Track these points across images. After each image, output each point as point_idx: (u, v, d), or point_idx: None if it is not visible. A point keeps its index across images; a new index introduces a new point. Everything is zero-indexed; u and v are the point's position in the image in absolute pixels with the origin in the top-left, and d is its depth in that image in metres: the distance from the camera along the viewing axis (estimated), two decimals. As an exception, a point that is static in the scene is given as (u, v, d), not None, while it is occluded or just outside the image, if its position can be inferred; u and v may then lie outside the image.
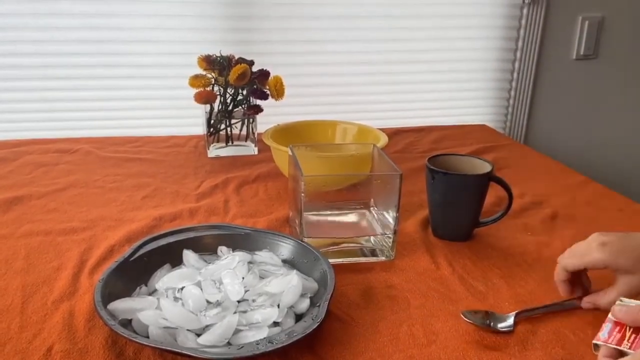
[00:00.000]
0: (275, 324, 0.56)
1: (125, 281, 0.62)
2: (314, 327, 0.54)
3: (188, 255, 0.67)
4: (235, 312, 0.56)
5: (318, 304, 0.58)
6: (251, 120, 1.12)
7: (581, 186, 1.00)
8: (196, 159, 1.12)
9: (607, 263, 0.59)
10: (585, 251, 0.60)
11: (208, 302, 0.58)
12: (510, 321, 0.60)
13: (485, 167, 0.78)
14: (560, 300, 0.64)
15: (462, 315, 0.59)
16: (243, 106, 1.10)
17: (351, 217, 0.80)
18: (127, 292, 0.60)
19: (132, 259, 0.65)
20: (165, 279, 0.61)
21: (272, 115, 1.14)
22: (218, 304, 0.57)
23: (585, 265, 0.61)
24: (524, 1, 1.60)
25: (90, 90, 1.42)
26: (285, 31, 1.47)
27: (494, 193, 0.86)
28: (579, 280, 0.64)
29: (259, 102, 1.10)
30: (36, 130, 1.40)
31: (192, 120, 1.28)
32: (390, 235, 0.73)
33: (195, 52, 1.08)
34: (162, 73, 1.44)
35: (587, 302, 0.63)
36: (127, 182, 0.99)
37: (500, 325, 0.59)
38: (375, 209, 0.78)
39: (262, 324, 0.55)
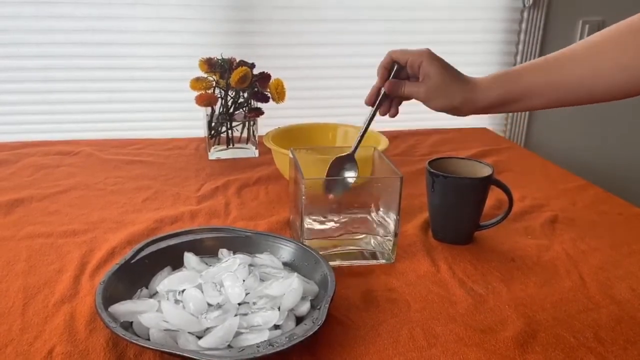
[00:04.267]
0: (276, 326, 0.56)
1: (126, 284, 0.62)
2: (315, 330, 0.54)
3: (189, 257, 0.67)
4: (236, 315, 0.56)
5: (318, 307, 0.58)
6: (252, 122, 1.12)
7: (581, 190, 1.00)
8: (197, 161, 1.12)
9: (424, 67, 0.69)
10: (414, 51, 0.71)
11: (209, 304, 0.58)
12: None
13: (486, 171, 0.78)
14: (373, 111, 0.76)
15: None
16: (244, 109, 1.10)
17: (352, 220, 0.79)
18: (128, 295, 0.61)
19: (133, 261, 0.65)
20: (166, 282, 0.61)
21: (273, 118, 1.14)
22: (219, 306, 0.58)
23: (406, 59, 0.71)
24: (524, 5, 1.60)
25: (91, 93, 1.43)
26: (286, 34, 1.48)
27: (494, 196, 0.86)
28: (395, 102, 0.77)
29: (260, 104, 1.10)
30: (37, 132, 1.40)
31: (193, 123, 1.28)
32: (390, 238, 0.73)
33: (196, 55, 1.08)
34: (163, 76, 1.44)
35: (388, 85, 0.73)
36: (128, 184, 0.99)
37: None
38: (376, 211, 0.78)
39: (262, 327, 0.55)
